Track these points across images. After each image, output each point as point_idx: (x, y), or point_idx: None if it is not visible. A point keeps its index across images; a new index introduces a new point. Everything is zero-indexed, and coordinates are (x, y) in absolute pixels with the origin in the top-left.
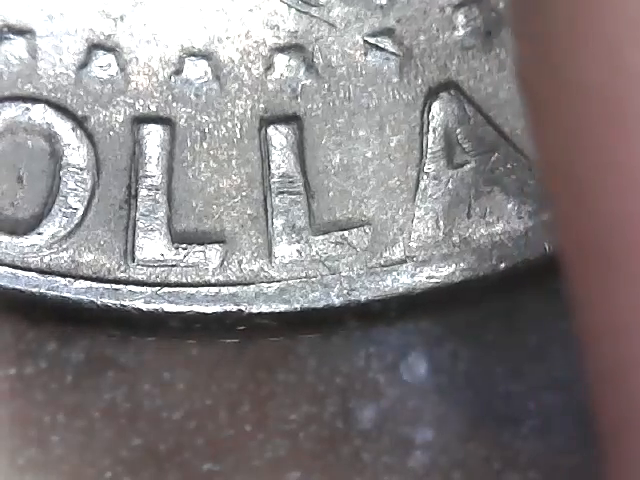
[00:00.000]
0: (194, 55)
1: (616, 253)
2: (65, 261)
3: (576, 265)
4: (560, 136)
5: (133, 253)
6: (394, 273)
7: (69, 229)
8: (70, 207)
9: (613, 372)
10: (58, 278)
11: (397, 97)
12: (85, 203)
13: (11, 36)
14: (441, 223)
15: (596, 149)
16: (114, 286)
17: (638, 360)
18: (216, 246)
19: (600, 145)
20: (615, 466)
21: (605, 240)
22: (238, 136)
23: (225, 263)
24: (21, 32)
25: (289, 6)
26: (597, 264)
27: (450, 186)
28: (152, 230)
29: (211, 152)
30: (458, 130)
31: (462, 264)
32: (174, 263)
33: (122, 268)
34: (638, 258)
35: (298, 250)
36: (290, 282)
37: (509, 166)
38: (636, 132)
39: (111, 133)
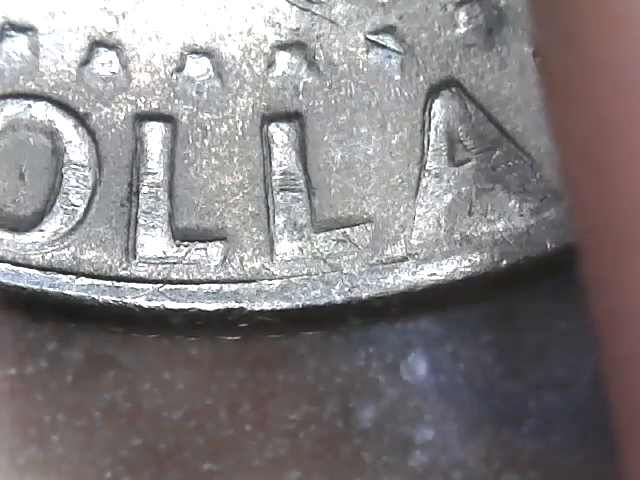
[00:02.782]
0: (196, 52)
1: (635, 235)
2: (67, 258)
3: (594, 249)
4: (580, 116)
5: (135, 250)
6: (395, 270)
7: (71, 226)
8: (72, 204)
9: (630, 360)
10: (60, 275)
11: (399, 95)
12: (87, 200)
13: (13, 33)
14: (442, 220)
15: (616, 126)
16: (116, 283)
17: None
18: (218, 243)
19: (620, 123)
20: (632, 459)
21: (624, 221)
22: (240, 133)
23: (227, 260)
24: (23, 29)
25: (291, 3)
26: (615, 247)
27: (451, 184)
28: (154, 227)
29: (213, 149)
30: (459, 128)
31: (463, 262)
32: (176, 260)
33: (124, 265)
34: None
35: (299, 247)
36: (291, 279)
37: (510, 163)
38: None
39: (113, 130)
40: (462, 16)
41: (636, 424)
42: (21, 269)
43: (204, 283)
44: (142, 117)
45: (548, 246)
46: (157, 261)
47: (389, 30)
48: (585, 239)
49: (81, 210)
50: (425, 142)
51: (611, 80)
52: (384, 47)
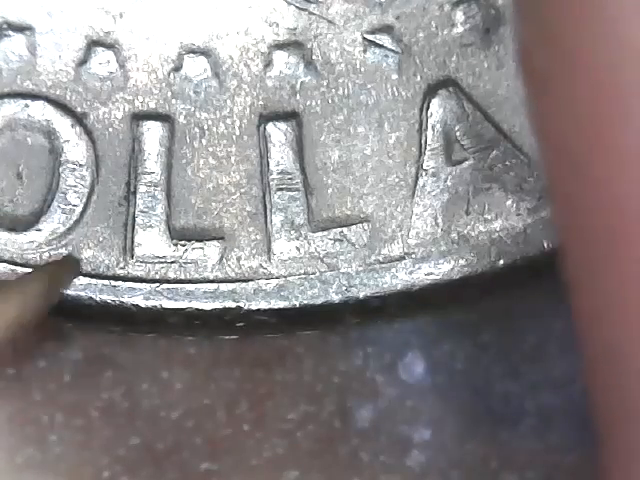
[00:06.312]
0: (193, 52)
1: (613, 234)
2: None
3: (573, 248)
4: (560, 114)
5: (132, 250)
6: (393, 270)
7: (68, 226)
8: (69, 204)
9: (609, 357)
10: None
11: (396, 94)
12: (84, 200)
13: (11, 33)
14: (440, 220)
15: (594, 125)
16: (113, 282)
17: (633, 343)
18: (215, 243)
19: (598, 121)
20: (611, 455)
21: (603, 219)
22: (237, 133)
23: (224, 260)
24: (21, 29)
25: (288, 3)
26: (594, 246)
27: (449, 183)
28: (151, 227)
29: (210, 149)
30: (457, 127)
31: (461, 261)
32: (173, 260)
33: (121, 265)
34: (634, 238)
35: (297, 247)
36: (289, 279)
37: (508, 163)
38: (633, 109)
39: (110, 130)
40: (459, 16)
41: (615, 420)
42: (19, 268)
43: (201, 282)
44: (139, 116)
45: (545, 245)
46: (154, 260)
47: (386, 30)
48: (565, 238)
49: (79, 209)
50: (422, 141)
51: (591, 79)
52: (381, 47)
